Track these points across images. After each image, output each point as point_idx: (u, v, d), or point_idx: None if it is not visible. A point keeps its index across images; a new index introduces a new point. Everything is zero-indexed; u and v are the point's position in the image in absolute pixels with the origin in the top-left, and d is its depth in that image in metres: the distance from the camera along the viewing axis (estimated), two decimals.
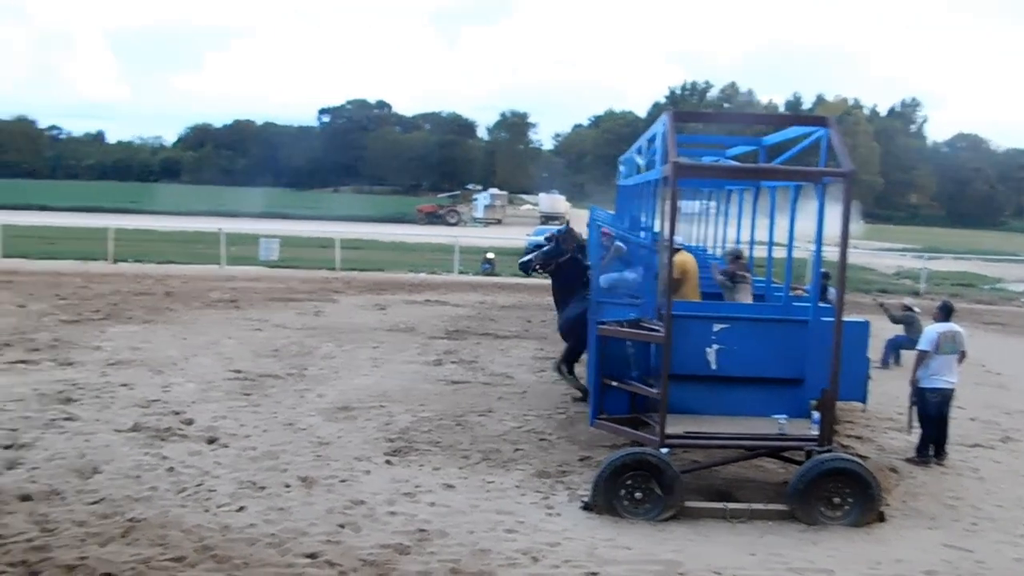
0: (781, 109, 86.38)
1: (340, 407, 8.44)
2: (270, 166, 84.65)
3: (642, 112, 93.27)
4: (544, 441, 7.63)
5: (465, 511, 5.89)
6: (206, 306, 14.83)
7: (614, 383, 6.59)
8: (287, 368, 10.06)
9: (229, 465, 6.62)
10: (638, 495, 5.88)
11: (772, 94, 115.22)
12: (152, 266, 21.02)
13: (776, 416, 6.20)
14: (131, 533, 5.28)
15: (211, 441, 7.19)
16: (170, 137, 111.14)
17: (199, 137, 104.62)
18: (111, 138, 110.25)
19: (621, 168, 13.31)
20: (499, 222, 54.41)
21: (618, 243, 8.65)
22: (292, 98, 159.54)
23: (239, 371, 9.73)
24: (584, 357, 8.35)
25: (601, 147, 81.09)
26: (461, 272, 22.47)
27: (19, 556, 4.88)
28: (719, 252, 13.41)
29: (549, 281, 9.77)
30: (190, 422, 7.69)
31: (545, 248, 9.26)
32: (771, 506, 6.04)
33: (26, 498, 5.75)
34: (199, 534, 5.31)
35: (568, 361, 8.88)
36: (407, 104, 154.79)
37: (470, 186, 64.19)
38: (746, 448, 6.38)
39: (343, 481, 6.38)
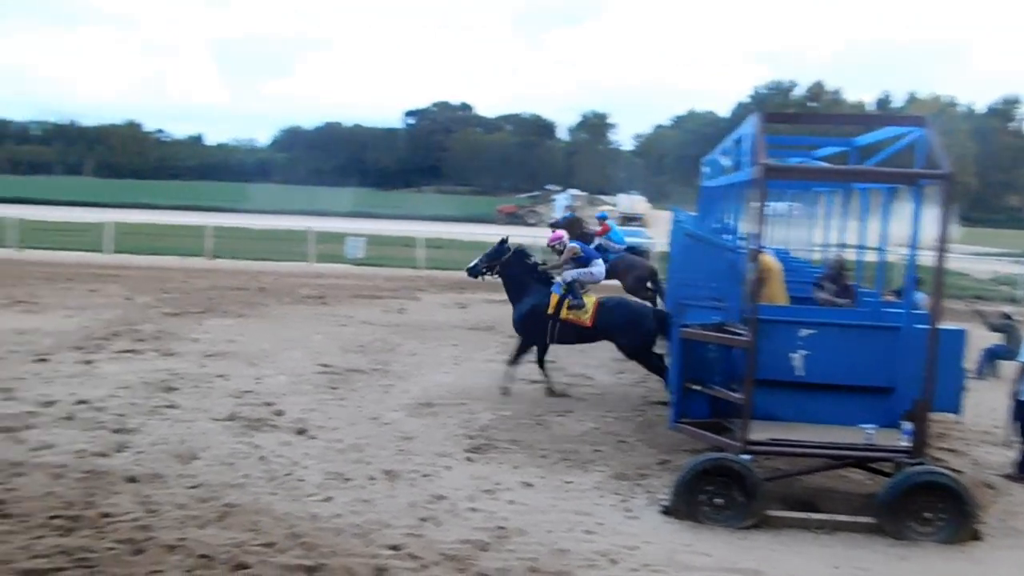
0: (870, 108, 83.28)
1: (423, 403, 8.57)
2: (357, 167, 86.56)
3: (725, 112, 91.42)
4: (623, 443, 7.57)
5: (544, 510, 5.90)
6: (296, 302, 15.27)
7: (696, 387, 6.47)
8: (372, 364, 10.26)
9: (317, 456, 6.80)
10: (719, 501, 5.76)
11: (860, 92, 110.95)
12: (246, 263, 21.74)
13: (864, 426, 5.98)
14: (226, 517, 5.48)
15: (300, 432, 7.40)
16: (264, 139, 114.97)
17: (290, 139, 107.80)
18: (210, 140, 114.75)
19: (705, 169, 13.06)
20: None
21: (572, 245, 9.29)
22: (379, 101, 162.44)
23: (327, 365, 9.98)
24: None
25: (682, 148, 79.78)
26: None
27: (126, 534, 5.13)
28: (803, 255, 13.03)
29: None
30: (281, 413, 7.94)
31: (488, 251, 9.46)
32: (858, 518, 5.83)
33: (132, 480, 6.05)
34: (289, 521, 5.48)
35: (518, 355, 9.10)
36: (489, 106, 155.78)
37: (549, 187, 64.18)
38: (832, 457, 6.17)
39: (425, 476, 6.47)
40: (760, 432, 5.95)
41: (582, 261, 9.35)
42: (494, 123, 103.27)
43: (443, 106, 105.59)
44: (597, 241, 14.85)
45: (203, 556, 4.89)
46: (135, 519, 5.37)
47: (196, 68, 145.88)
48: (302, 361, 10.16)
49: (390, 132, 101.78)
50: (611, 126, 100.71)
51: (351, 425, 7.71)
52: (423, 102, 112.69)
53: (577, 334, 8.89)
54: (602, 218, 16.17)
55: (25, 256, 22.02)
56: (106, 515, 5.40)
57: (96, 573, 4.66)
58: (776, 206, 15.50)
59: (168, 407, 7.95)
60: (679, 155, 78.52)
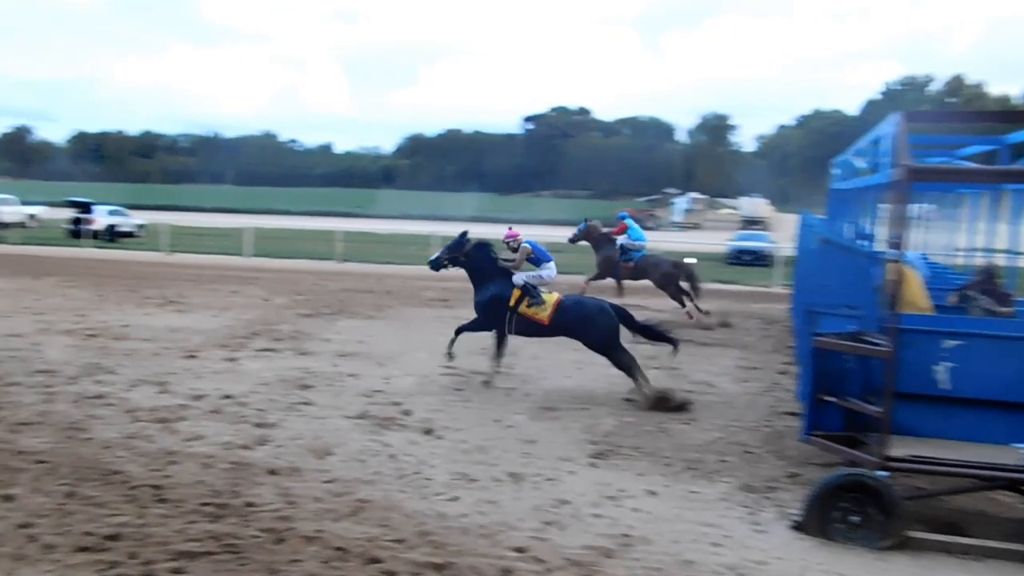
0: (1017, 102, 77.27)
1: (545, 407, 8.60)
2: (477, 172, 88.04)
3: (853, 110, 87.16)
4: (750, 454, 7.33)
5: (669, 519, 5.79)
6: (421, 305, 15.67)
7: (830, 398, 6.18)
8: (496, 366, 10.37)
9: (444, 456, 6.94)
10: (854, 519, 5.48)
11: (1005, 85, 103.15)
12: (373, 266, 22.53)
13: (1017, 445, 5.55)
14: (359, 512, 5.68)
15: (427, 432, 7.58)
16: (388, 147, 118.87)
17: (413, 146, 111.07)
18: (338, 149, 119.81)
19: (835, 171, 12.51)
20: (697, 227, 53.06)
21: (525, 245, 9.46)
22: (498, 107, 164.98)
23: (452, 367, 10.17)
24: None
25: (808, 148, 76.78)
26: None
27: (268, 523, 5.40)
28: (943, 261, 12.25)
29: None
30: (409, 413, 8.15)
31: (448, 244, 9.78)
32: (1009, 545, 5.41)
33: (273, 472, 6.36)
34: (418, 519, 5.61)
35: (468, 329, 9.52)
36: (607, 109, 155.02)
37: (668, 190, 63.13)
38: (980, 478, 5.75)
39: (549, 480, 6.48)
40: (900, 448, 5.62)
41: (534, 261, 9.48)
42: (612, 127, 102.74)
43: (561, 111, 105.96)
44: (620, 242, 15.63)
45: (339, 548, 5.08)
46: (276, 510, 5.64)
47: (326, 80, 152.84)
48: (428, 362, 10.41)
49: (509, 138, 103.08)
50: (732, 127, 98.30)
51: (476, 426, 7.83)
52: (541, 108, 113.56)
53: (535, 329, 9.25)
54: (621, 218, 16.34)
55: (174, 259, 23.69)
56: (250, 504, 5.70)
57: (242, 559, 4.92)
58: (912, 208, 14.65)
59: (304, 404, 8.33)
60: (804, 156, 75.52)
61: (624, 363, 8.99)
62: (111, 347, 10.71)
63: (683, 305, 14.78)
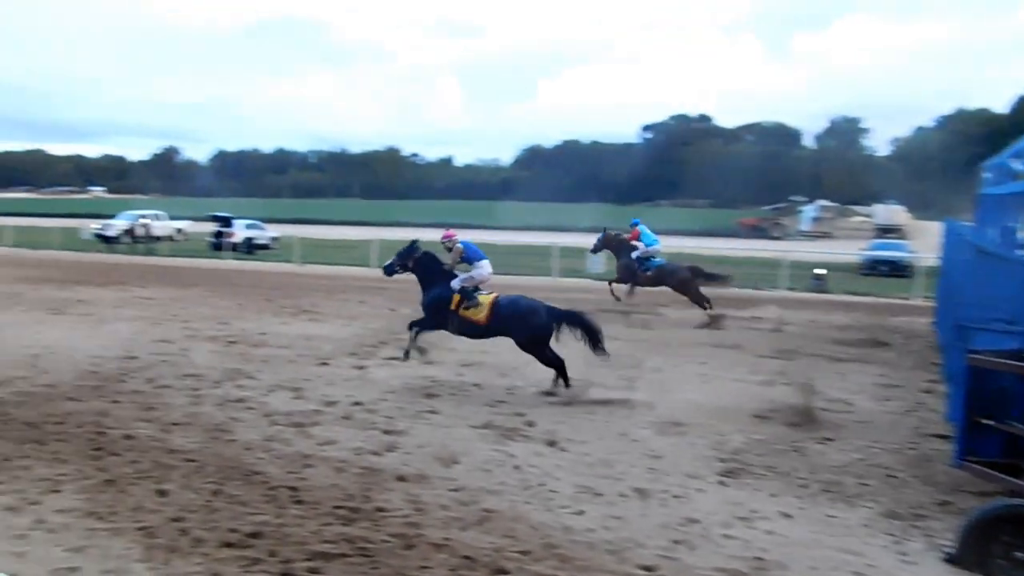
0: None
1: (670, 421, 8.41)
2: (595, 183, 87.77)
3: (1002, 107, 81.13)
4: (893, 478, 6.90)
5: (806, 544, 5.52)
6: None
7: (987, 421, 5.73)
8: (618, 379, 10.26)
9: (568, 468, 6.90)
10: (1019, 555, 5.04)
11: None
12: (495, 277, 22.74)
13: None
14: (486, 522, 5.71)
15: (551, 444, 7.56)
16: (507, 158, 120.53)
17: (532, 157, 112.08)
18: (458, 161, 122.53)
19: (986, 175, 11.65)
20: (827, 236, 50.77)
21: (458, 245, 9.97)
22: (616, 116, 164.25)
23: (575, 378, 10.11)
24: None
25: (950, 151, 72.08)
26: (789, 288, 21.31)
27: (398, 529, 5.52)
28: None
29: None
30: (532, 424, 8.16)
31: (400, 251, 10.34)
32: None
33: (401, 479, 6.51)
34: (544, 531, 5.59)
35: (420, 326, 10.05)
36: (729, 116, 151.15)
37: (794, 198, 60.81)
38: None
39: (676, 497, 6.32)
40: None
41: (467, 260, 9.99)
42: (734, 133, 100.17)
43: (681, 119, 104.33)
44: (636, 252, 16.53)
45: (466, 557, 5.13)
46: (405, 516, 5.77)
47: (446, 94, 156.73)
48: (551, 373, 10.38)
49: (627, 147, 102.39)
50: (864, 131, 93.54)
51: (600, 439, 7.75)
52: (660, 116, 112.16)
53: (475, 330, 9.75)
54: (634, 224, 17.17)
55: (306, 270, 24.82)
56: (380, 509, 5.85)
57: (374, 563, 5.05)
58: None
59: (430, 412, 8.49)
60: (946, 159, 70.94)
61: (551, 361, 9.49)
62: (250, 353, 11.31)
63: (703, 307, 15.70)
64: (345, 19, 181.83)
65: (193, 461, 6.71)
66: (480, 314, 9.58)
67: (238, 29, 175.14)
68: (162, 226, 38.59)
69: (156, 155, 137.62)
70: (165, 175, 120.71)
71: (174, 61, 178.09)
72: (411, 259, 10.24)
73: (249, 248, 33.77)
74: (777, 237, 46.97)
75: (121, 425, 7.71)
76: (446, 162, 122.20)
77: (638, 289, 16.83)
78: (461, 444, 7.44)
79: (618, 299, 16.61)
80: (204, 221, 40.10)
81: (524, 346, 9.63)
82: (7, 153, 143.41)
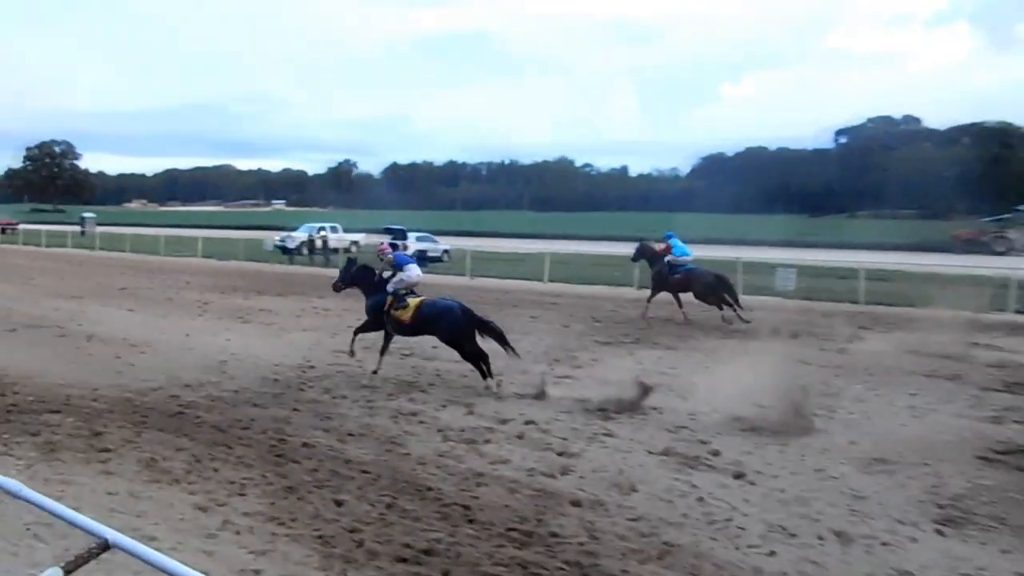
0: None
1: (876, 458, 7.82)
2: (782, 192, 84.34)
3: None
4: None
5: None
6: (725, 336, 15.23)
7: None
8: (813, 408, 9.72)
9: (757, 504, 6.59)
10: None
11: None
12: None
13: None
14: (666, 556, 5.55)
15: (738, 476, 7.25)
16: (685, 168, 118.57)
17: (711, 166, 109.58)
18: (633, 171, 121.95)
19: None
20: None
21: (389, 256, 11.50)
22: (805, 121, 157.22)
23: (763, 406, 9.69)
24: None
25: None
26: (1017, 312, 19.38)
27: (573, 556, 5.49)
28: None
29: None
30: (716, 453, 7.88)
31: (341, 270, 11.98)
32: None
33: (576, 504, 6.47)
34: (730, 571, 5.36)
35: (363, 330, 11.47)
36: (941, 116, 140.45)
37: (1021, 207, 55.34)
38: None
39: (884, 544, 5.85)
40: None
41: (397, 267, 11.32)
42: (947, 135, 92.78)
43: (883, 120, 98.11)
44: (667, 258, 18.15)
45: None
46: (580, 543, 5.72)
47: (620, 103, 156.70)
48: (736, 398, 10.00)
49: (819, 153, 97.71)
50: None
51: (793, 474, 7.35)
52: (857, 118, 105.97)
53: (403, 329, 11.06)
54: (668, 237, 18.77)
55: (477, 284, 25.51)
56: (554, 535, 5.85)
57: None
58: None
59: (606, 435, 8.42)
60: None
61: (471, 356, 10.54)
62: (423, 367, 11.76)
63: (721, 309, 17.07)
64: (514, 30, 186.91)
65: (368, 473, 7.03)
66: (407, 314, 10.92)
67: (409, 44, 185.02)
68: (338, 238, 41.09)
69: (332, 169, 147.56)
70: (341, 188, 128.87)
71: (349, 78, 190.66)
72: (350, 274, 11.79)
73: (420, 261, 35.16)
74: (1000, 252, 42.80)
75: (300, 433, 8.23)
76: (620, 172, 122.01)
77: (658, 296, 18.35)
78: (639, 471, 7.31)
79: (649, 304, 18.31)
80: (378, 234, 42.31)
81: (446, 342, 10.85)
82: (199, 169, 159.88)
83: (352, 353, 11.47)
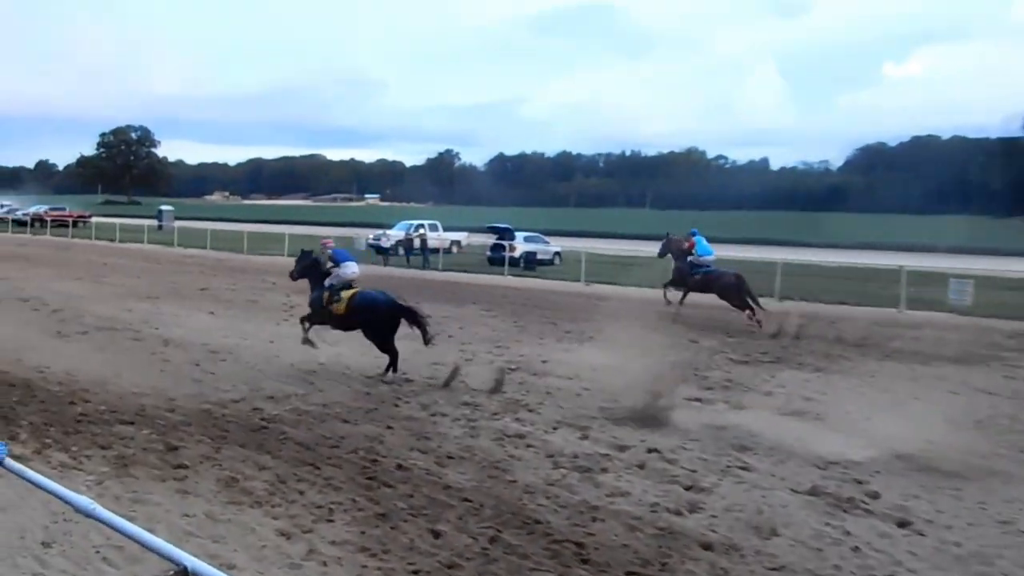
0: None
1: None
2: (958, 189, 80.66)
3: None
4: None
5: None
6: (885, 357, 14.70)
7: None
8: (995, 448, 9.24)
9: (926, 559, 6.29)
10: None
11: None
12: (820, 306, 21.76)
13: None
14: None
15: (902, 524, 6.95)
16: (837, 160, 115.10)
17: (869, 158, 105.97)
18: (775, 164, 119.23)
19: None
20: None
21: (329, 252, 13.27)
22: (990, 105, 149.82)
23: (930, 442, 9.28)
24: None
25: None
26: None
27: None
28: None
29: None
30: (875, 496, 7.58)
31: (297, 260, 13.95)
32: None
33: (706, 547, 6.35)
34: None
35: (308, 319, 13.21)
36: None
37: None
38: None
39: None
40: None
41: (334, 263, 13.11)
42: None
43: None
44: (689, 258, 20.12)
45: None
46: None
47: (762, 86, 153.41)
48: (899, 433, 9.61)
49: (1007, 143, 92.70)
50: None
51: (971, 525, 6.98)
52: None
53: (337, 321, 12.76)
54: (692, 234, 20.75)
55: (593, 291, 25.48)
56: None
57: None
58: None
59: (741, 468, 8.25)
60: None
61: (386, 349, 12.19)
62: (531, 383, 11.82)
63: (743, 311, 18.56)
64: (640, 2, 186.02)
65: (469, 501, 7.10)
66: (340, 307, 12.54)
67: (522, 20, 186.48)
68: (438, 237, 41.68)
69: (432, 160, 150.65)
70: (441, 181, 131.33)
71: (453, 59, 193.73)
72: (302, 266, 13.61)
73: (529, 263, 35.40)
74: None
75: (394, 454, 8.40)
76: (760, 165, 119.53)
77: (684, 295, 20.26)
78: (782, 512, 7.12)
79: (669, 302, 20.30)
80: (481, 232, 42.80)
81: (367, 335, 12.40)
82: (285, 158, 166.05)
83: (308, 341, 13.08)
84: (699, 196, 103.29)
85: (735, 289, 18.83)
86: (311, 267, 13.48)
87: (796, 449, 8.95)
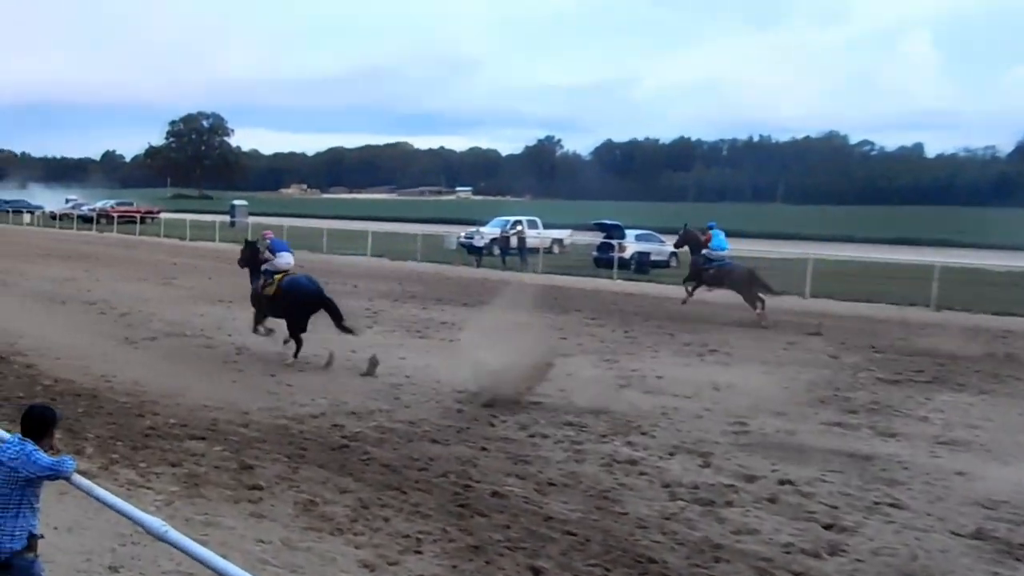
0: None
1: None
2: None
3: None
4: None
5: None
6: None
7: None
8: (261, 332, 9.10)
9: None
10: None
11: None
12: (985, 316, 21.09)
13: None
14: None
15: None
16: (1006, 147, 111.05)
17: None
18: (930, 152, 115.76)
19: None
20: None
21: (267, 241, 15.51)
22: None
23: None
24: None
25: None
26: None
27: None
28: None
29: None
30: None
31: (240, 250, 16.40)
32: None
33: None
34: None
35: (256, 320, 15.28)
36: None
37: None
38: None
39: None
40: None
41: (272, 252, 15.07)
42: None
43: None
44: (704, 251, 22.09)
45: None
46: None
47: (915, 62, 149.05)
48: None
49: None
50: None
51: None
52: None
53: (271, 307, 14.81)
54: (709, 227, 22.75)
55: (713, 297, 25.11)
56: None
57: None
58: None
59: (891, 505, 8.05)
60: None
61: (293, 334, 14.24)
62: (643, 402, 11.74)
63: (754, 307, 20.21)
64: None
65: (573, 535, 7.12)
66: (271, 289, 14.68)
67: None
68: (537, 235, 41.64)
69: (531, 148, 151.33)
70: (542, 172, 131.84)
71: (556, 35, 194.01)
72: (245, 256, 15.78)
73: (641, 265, 35.15)
74: None
75: (489, 479, 8.48)
76: (913, 153, 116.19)
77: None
78: (940, 558, 6.93)
79: (690, 295, 21.97)
80: (587, 230, 42.67)
81: (281, 316, 14.59)
82: (368, 147, 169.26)
83: (262, 332, 15.16)
84: (840, 188, 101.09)
85: (746, 283, 20.60)
86: (252, 257, 15.74)
87: (957, 485, 8.71)
